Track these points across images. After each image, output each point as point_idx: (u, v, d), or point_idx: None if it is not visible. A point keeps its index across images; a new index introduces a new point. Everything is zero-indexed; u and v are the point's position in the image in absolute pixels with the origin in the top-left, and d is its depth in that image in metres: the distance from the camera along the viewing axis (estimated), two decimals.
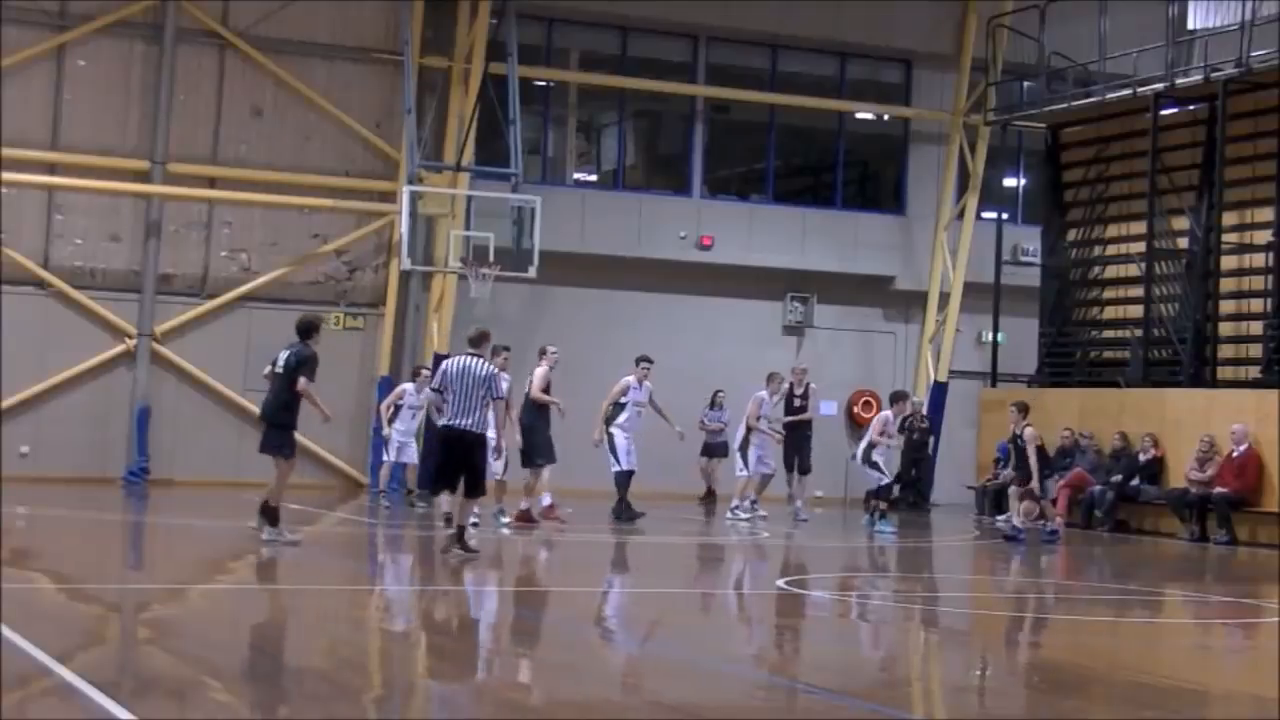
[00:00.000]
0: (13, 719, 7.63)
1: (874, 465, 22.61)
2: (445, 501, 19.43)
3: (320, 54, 27.39)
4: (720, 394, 26.69)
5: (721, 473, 26.27)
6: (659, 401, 22.17)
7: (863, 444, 23.00)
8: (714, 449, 26.56)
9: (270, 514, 16.39)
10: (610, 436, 21.75)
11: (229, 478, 25.24)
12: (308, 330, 16.82)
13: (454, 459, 15.68)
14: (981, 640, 12.96)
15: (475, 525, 19.15)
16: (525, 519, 20.23)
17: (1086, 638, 12.99)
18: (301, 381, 16.23)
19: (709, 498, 26.48)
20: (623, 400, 21.85)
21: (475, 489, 15.75)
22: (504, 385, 19.62)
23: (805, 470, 24.22)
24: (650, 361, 22.21)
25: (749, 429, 23.56)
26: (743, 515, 23.22)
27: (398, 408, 23.02)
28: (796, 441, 24.14)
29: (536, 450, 20.59)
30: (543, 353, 21.24)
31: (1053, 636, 13.05)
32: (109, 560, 16.33)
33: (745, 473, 23.57)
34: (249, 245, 27.15)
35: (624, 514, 21.60)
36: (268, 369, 16.84)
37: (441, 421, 15.85)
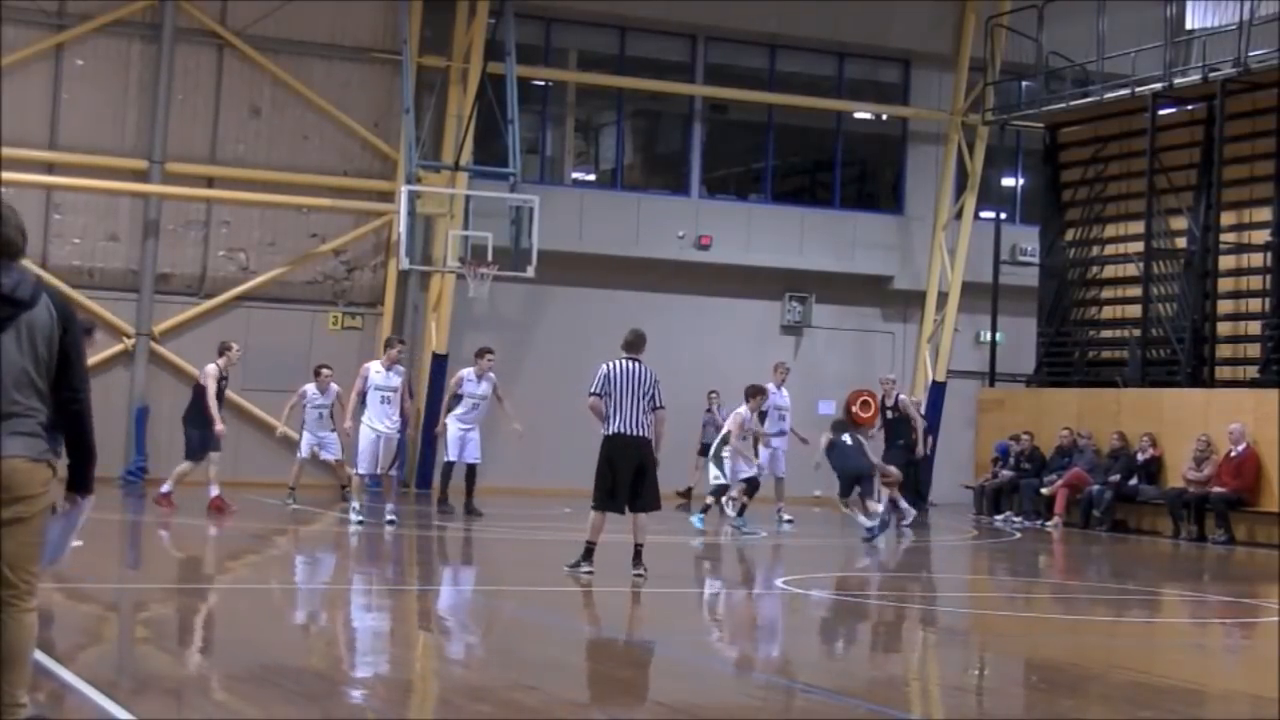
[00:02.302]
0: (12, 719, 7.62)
1: (719, 462, 22.12)
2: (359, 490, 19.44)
3: (318, 53, 27.39)
4: (714, 394, 26.71)
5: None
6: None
7: (716, 440, 22.73)
8: (707, 449, 26.50)
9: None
10: (445, 427, 21.84)
11: (227, 478, 25.15)
12: None
13: (625, 470, 14.58)
14: (980, 640, 12.97)
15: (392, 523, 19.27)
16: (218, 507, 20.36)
17: (1084, 637, 13.00)
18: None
19: (687, 494, 26.51)
20: (459, 392, 21.81)
21: (651, 502, 14.79)
22: (396, 380, 19.69)
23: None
24: (492, 353, 22.12)
25: (725, 440, 23.39)
26: (732, 520, 23.06)
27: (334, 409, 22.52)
28: (893, 452, 24.36)
29: (203, 443, 20.50)
30: (223, 350, 20.87)
31: (1050, 636, 13.05)
32: (107, 560, 16.31)
33: (723, 479, 23.25)
34: (247, 245, 27.15)
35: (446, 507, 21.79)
36: None
37: (609, 430, 14.64)
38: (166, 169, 26.43)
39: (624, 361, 14.82)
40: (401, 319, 27.63)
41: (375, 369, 19.74)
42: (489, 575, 16.79)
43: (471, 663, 10.53)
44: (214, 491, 20.50)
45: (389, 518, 19.43)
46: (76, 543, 6.69)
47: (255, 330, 26.70)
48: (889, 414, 24.73)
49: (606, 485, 14.64)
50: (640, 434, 14.62)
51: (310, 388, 22.69)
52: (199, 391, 20.68)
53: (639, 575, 14.56)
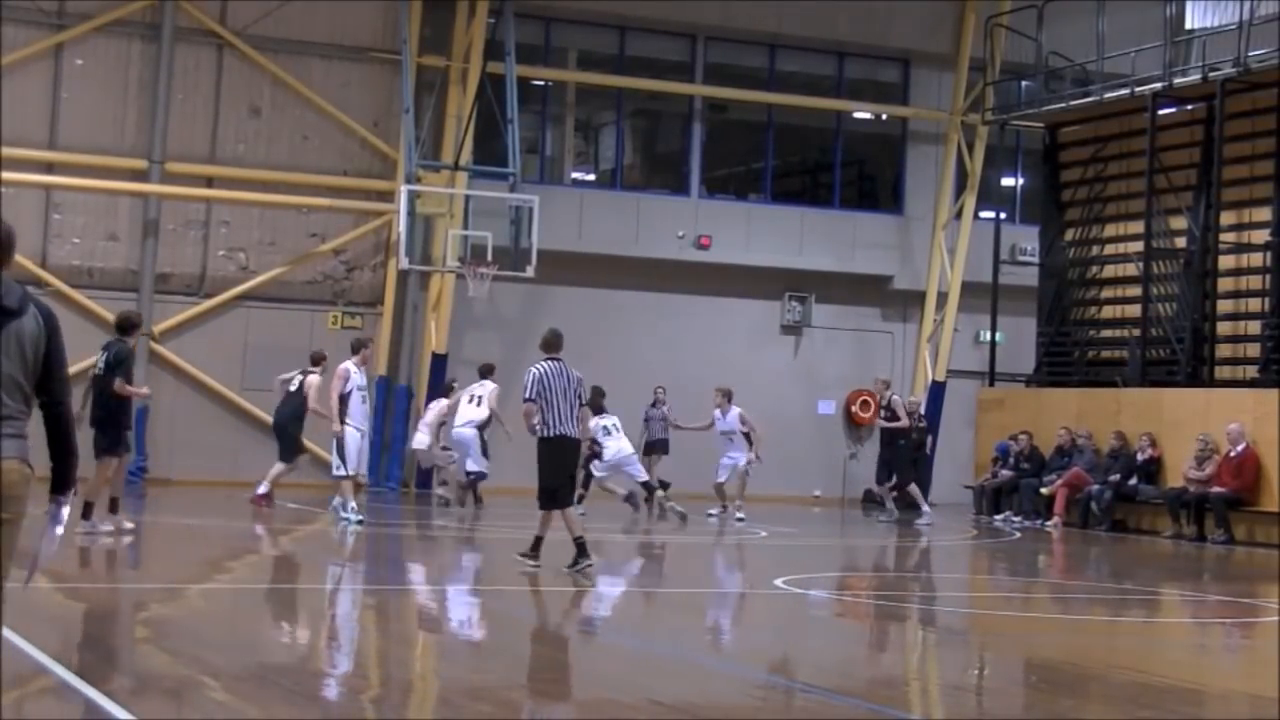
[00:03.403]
0: (12, 719, 7.63)
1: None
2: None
3: (318, 53, 27.38)
4: (660, 389, 26.43)
5: (659, 470, 26.06)
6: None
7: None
8: (654, 446, 26.10)
9: (87, 509, 16.61)
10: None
11: (226, 477, 25.22)
12: (127, 327, 17.08)
13: (565, 471, 14.91)
14: (979, 639, 12.97)
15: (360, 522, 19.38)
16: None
17: (1084, 637, 13.01)
18: (117, 383, 16.56)
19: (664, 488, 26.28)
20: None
21: (573, 499, 15.19)
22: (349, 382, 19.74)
23: (903, 482, 25.27)
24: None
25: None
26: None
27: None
28: (885, 452, 25.31)
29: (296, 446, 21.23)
30: (320, 360, 21.37)
31: (1050, 636, 13.05)
32: (106, 560, 16.32)
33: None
34: (247, 244, 27.15)
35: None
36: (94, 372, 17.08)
37: (549, 432, 14.66)
38: (166, 169, 26.41)
39: (551, 363, 14.87)
40: (401, 318, 27.62)
41: (353, 369, 19.77)
42: (488, 575, 16.79)
43: (471, 662, 10.53)
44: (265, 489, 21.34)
45: (359, 517, 19.52)
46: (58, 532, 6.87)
47: (255, 330, 26.70)
48: (884, 414, 24.97)
49: (552, 487, 14.79)
50: (575, 435, 14.84)
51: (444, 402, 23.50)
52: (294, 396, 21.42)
53: (590, 565, 14.71)
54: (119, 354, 16.78)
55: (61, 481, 6.68)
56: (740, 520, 22.93)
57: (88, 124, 26.22)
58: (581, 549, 14.66)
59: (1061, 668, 11.05)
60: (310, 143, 27.29)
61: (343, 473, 19.72)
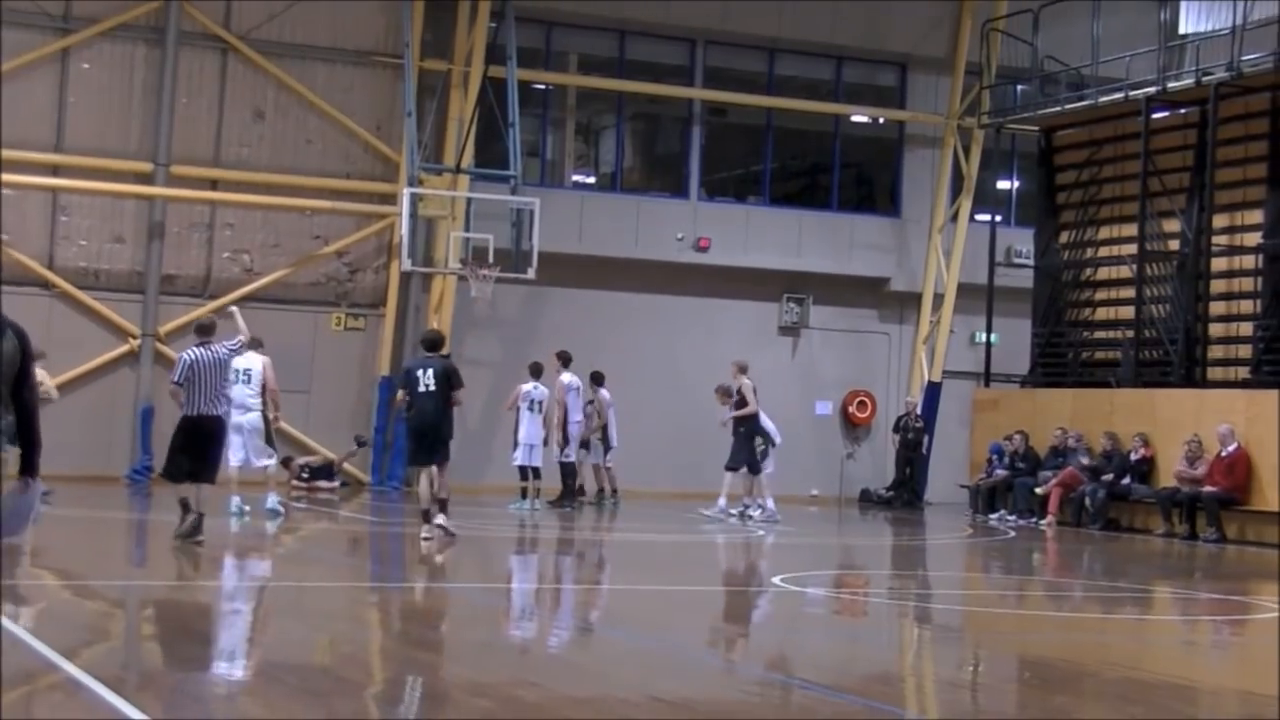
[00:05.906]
0: (18, 716, 7.78)
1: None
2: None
3: (321, 57, 27.55)
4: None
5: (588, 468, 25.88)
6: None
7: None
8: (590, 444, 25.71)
9: (442, 505, 17.64)
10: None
11: (226, 477, 25.33)
12: (440, 343, 18.17)
13: (202, 445, 16.26)
14: (974, 637, 13.08)
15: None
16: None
17: (1077, 634, 13.13)
18: (461, 393, 17.54)
19: (609, 494, 25.60)
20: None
21: (214, 474, 16.53)
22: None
23: (737, 468, 23.49)
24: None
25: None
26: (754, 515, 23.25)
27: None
28: (738, 440, 23.52)
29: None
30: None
31: (1044, 633, 13.16)
32: (113, 558, 16.47)
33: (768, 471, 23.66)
34: (251, 246, 27.32)
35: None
36: (402, 393, 17.82)
37: (193, 411, 16.20)
38: (171, 171, 26.58)
39: (202, 349, 16.38)
40: (404, 320, 27.78)
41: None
42: (489, 572, 16.93)
43: (472, 659, 10.62)
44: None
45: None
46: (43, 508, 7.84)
47: (258, 331, 26.38)
48: (734, 401, 23.52)
49: (189, 458, 16.23)
50: (218, 414, 16.40)
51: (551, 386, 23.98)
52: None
53: (201, 542, 15.90)
54: (448, 368, 17.56)
55: (29, 464, 7.87)
56: (752, 517, 22.97)
57: (93, 127, 26.38)
58: (198, 525, 15.98)
59: (1055, 665, 11.16)
60: (313, 146, 27.46)
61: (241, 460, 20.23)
